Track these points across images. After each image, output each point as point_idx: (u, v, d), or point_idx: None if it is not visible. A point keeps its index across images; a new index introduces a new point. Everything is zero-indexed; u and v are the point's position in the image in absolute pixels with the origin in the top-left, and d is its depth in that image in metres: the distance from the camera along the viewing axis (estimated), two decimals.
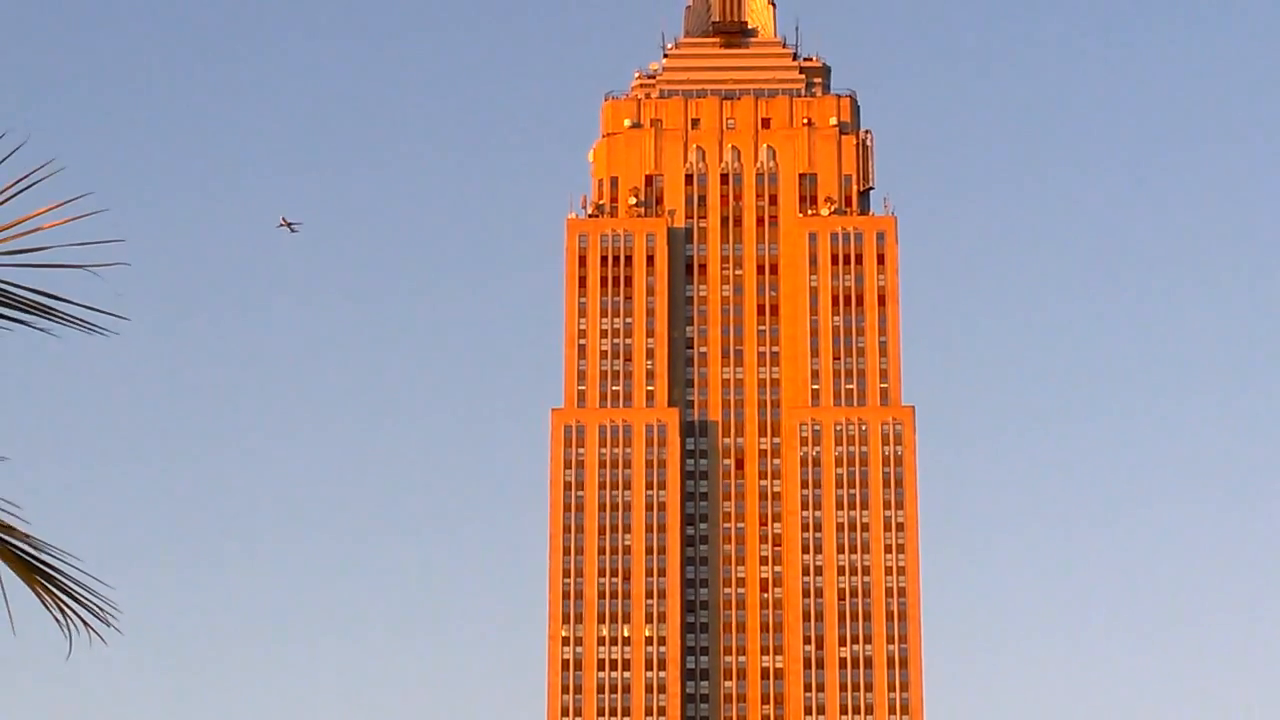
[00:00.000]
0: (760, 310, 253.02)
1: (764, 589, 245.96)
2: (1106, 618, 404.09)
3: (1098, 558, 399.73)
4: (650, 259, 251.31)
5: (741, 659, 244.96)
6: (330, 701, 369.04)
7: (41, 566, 11.31)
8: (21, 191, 10.96)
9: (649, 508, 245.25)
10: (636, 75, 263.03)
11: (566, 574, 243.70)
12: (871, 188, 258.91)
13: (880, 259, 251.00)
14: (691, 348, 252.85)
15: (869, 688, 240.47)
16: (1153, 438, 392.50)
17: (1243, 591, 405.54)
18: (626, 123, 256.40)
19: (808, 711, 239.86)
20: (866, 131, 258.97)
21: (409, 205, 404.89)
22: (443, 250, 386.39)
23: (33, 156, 11.03)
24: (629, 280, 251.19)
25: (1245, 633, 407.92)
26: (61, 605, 11.73)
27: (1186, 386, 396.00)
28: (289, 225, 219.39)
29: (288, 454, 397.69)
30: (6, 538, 11.01)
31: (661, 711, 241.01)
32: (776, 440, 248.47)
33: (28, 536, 11.05)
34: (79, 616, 11.87)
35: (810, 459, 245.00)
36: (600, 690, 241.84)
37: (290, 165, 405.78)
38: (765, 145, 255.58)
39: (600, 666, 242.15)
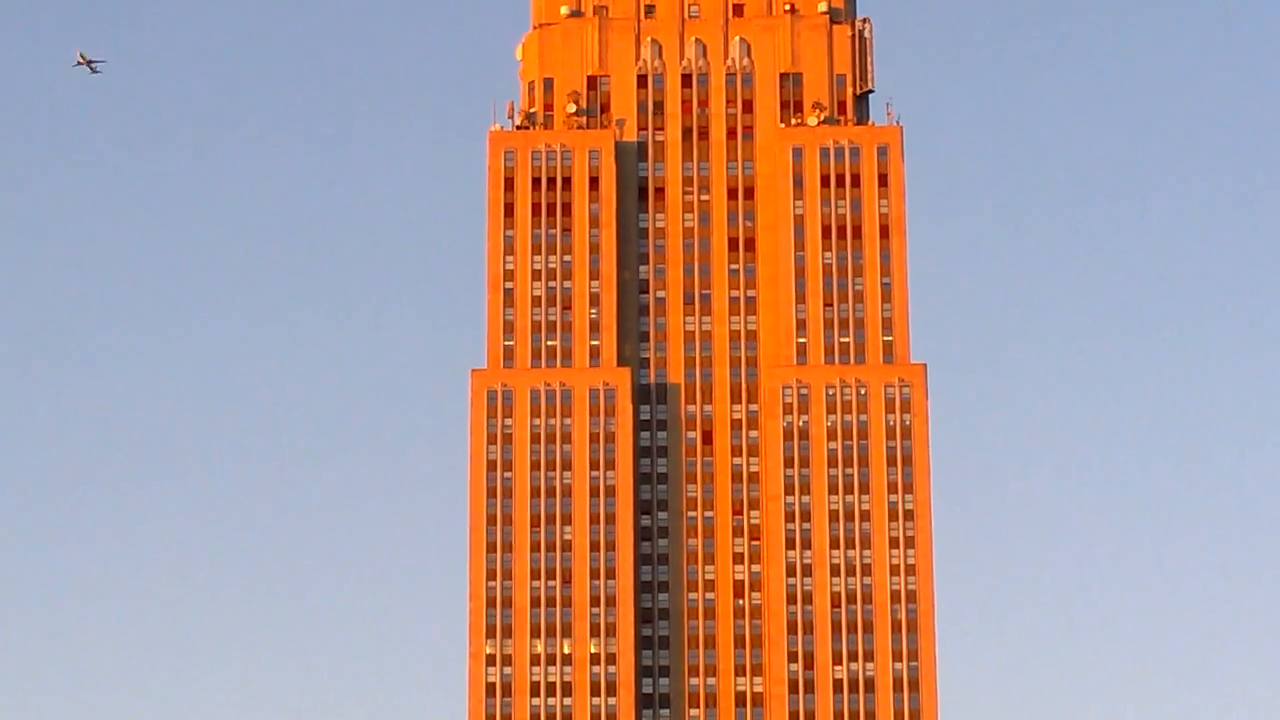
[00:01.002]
0: (733, 245, 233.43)
1: (739, 594, 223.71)
2: (1160, 623, 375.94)
3: (1150, 547, 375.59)
4: (594, 181, 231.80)
5: (711, 681, 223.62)
6: None
7: None
8: None
9: (594, 493, 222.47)
10: None
11: (491, 576, 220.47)
12: (871, 91, 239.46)
13: (882, 180, 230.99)
14: (646, 292, 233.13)
15: (870, 716, 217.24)
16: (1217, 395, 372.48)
17: None
18: (564, 10, 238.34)
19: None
20: (864, 20, 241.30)
21: (296, 113, 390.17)
22: (334, 171, 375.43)
23: None
24: (567, 208, 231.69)
25: None
26: None
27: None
28: (88, 64, 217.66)
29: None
30: None
31: None
32: (754, 408, 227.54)
33: None
34: None
35: (796, 430, 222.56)
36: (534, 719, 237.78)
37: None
38: (737, 39, 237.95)
39: (534, 692, 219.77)
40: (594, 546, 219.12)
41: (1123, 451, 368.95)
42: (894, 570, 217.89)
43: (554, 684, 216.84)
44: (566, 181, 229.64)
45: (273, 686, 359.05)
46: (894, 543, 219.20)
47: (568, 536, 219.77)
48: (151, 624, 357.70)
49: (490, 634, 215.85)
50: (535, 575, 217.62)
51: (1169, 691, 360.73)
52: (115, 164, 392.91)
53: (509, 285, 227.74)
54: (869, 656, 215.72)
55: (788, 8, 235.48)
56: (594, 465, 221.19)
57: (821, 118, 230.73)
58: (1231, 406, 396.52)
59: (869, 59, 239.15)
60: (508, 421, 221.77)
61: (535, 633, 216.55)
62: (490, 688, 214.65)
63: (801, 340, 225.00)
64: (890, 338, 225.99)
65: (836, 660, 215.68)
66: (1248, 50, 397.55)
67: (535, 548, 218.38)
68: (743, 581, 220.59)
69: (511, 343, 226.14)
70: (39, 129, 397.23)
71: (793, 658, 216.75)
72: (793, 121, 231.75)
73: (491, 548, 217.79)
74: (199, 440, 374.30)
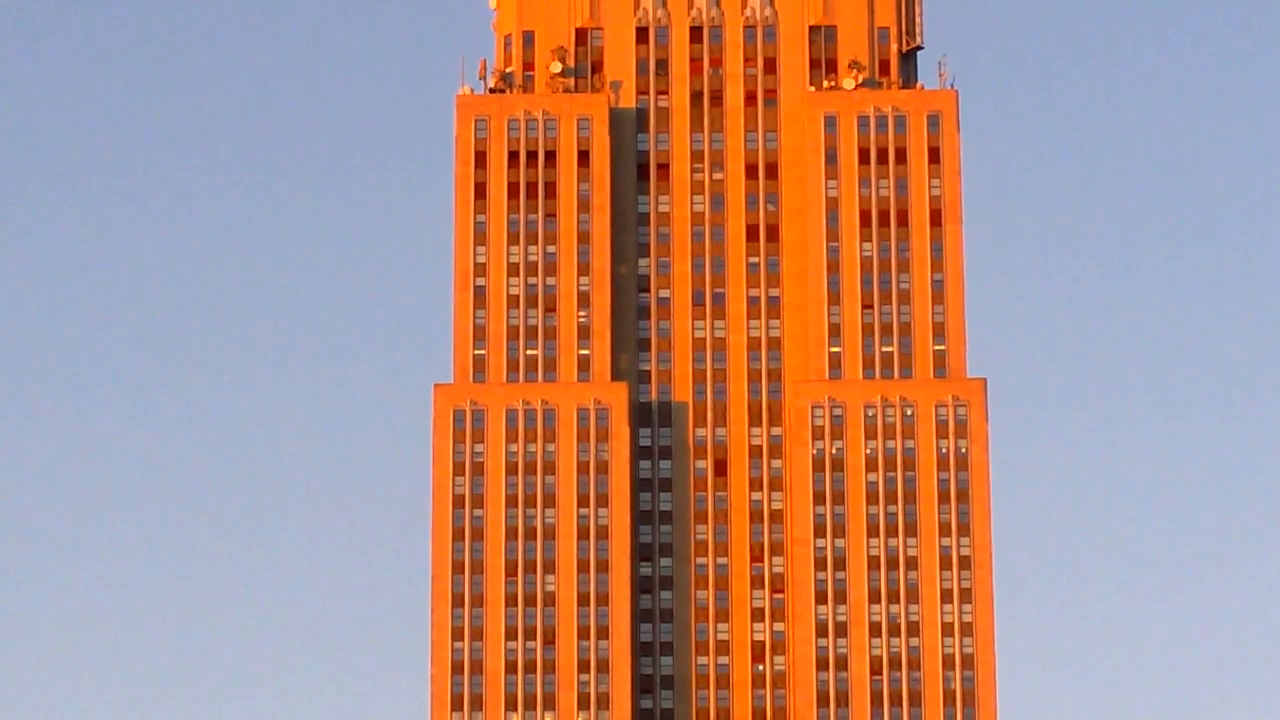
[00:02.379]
0: (752, 234, 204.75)
1: (759, 659, 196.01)
2: (1252, 689, 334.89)
3: (1245, 602, 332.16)
4: (583, 156, 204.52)
5: None
6: None
7: None
8: None
9: (583, 535, 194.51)
10: None
11: (458, 636, 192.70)
12: (920, 48, 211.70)
13: (933, 155, 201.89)
14: (647, 291, 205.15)
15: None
16: None
17: None
18: None
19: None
20: None
21: (250, 79, 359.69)
22: (275, 143, 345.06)
23: None
24: (551, 189, 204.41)
25: None
26: None
27: None
28: None
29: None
30: None
31: None
32: (777, 432, 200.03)
33: None
34: None
35: (828, 459, 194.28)
36: None
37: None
38: None
39: None
40: (582, 600, 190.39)
41: (1212, 482, 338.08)
42: (946, 629, 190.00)
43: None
44: (550, 156, 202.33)
45: None
46: (946, 596, 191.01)
47: (550, 588, 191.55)
48: (103, 638, 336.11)
49: (457, 706, 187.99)
50: (511, 635, 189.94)
51: None
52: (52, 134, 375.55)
53: (480, 282, 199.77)
54: (917, 697, 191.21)
55: None
56: (583, 501, 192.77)
57: (860, 80, 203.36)
58: None
59: (917, 9, 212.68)
60: (478, 447, 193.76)
61: (511, 705, 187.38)
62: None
63: (835, 350, 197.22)
64: (943, 347, 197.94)
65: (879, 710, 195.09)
66: None
67: (511, 601, 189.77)
68: (763, 643, 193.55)
69: (483, 352, 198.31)
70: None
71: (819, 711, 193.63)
72: (825, 84, 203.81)
73: (458, 601, 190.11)
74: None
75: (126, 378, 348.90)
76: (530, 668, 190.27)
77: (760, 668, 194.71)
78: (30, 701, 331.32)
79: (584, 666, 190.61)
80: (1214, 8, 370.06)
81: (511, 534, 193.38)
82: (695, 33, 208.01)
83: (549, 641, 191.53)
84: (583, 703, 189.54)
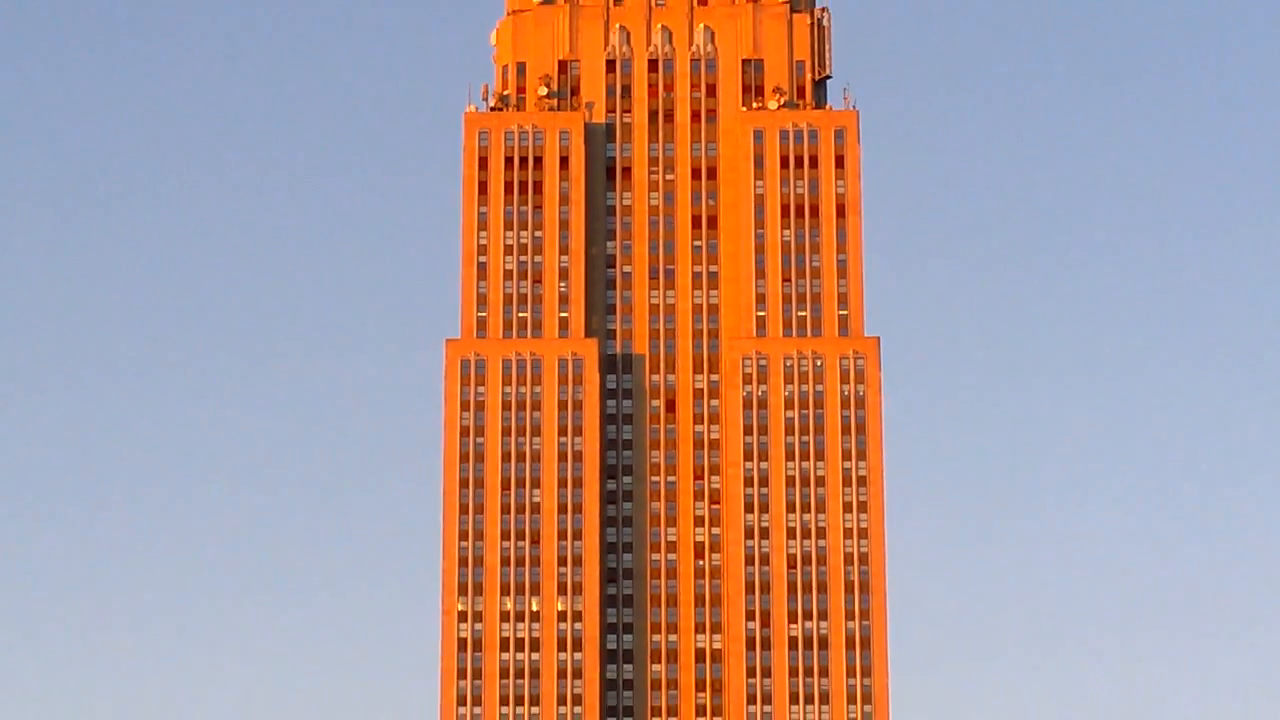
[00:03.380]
0: (696, 222, 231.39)
1: (699, 555, 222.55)
2: (1106, 588, 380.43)
3: (1096, 520, 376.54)
4: (564, 161, 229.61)
5: (672, 639, 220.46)
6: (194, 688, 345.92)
7: None
8: None
9: (562, 458, 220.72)
10: None
11: (464, 537, 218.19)
12: (829, 77, 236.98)
13: (839, 161, 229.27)
14: (613, 267, 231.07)
15: (824, 672, 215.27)
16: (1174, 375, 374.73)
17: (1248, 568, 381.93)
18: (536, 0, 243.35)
19: (751, 700, 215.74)
20: (823, 9, 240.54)
21: (280, 95, 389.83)
22: (318, 150, 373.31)
23: None
24: (539, 186, 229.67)
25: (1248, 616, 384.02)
26: None
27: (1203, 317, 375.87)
28: None
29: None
30: None
31: (577, 700, 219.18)
32: (715, 378, 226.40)
33: None
34: None
35: (755, 400, 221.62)
36: (504, 675, 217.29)
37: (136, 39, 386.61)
38: (702, 26, 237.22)
39: (504, 647, 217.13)
40: (562, 509, 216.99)
41: (1070, 421, 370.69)
42: (847, 534, 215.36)
43: (522, 639, 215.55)
44: (538, 161, 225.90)
45: (252, 647, 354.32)
46: (848, 507, 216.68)
47: (537, 499, 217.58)
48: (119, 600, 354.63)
49: (463, 591, 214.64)
50: (505, 536, 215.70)
51: (1118, 653, 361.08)
52: (79, 136, 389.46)
53: (482, 259, 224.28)
54: (823, 616, 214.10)
55: None
56: (562, 432, 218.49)
57: (781, 102, 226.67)
58: (1182, 383, 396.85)
59: (827, 46, 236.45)
60: (480, 389, 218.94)
61: (505, 590, 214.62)
62: (462, 643, 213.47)
63: (761, 314, 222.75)
64: (845, 312, 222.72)
65: (792, 619, 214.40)
66: (1201, 27, 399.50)
67: (506, 510, 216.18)
68: (703, 543, 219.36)
69: (484, 314, 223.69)
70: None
71: (750, 616, 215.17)
72: (754, 105, 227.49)
73: (464, 509, 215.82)
74: (186, 413, 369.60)
75: (179, 339, 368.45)
76: (520, 562, 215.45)
77: (700, 563, 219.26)
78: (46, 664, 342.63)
79: (562, 561, 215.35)
80: (1058, 38, 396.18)
81: (506, 458, 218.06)
82: (652, 64, 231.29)
83: (535, 542, 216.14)
84: (561, 589, 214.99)
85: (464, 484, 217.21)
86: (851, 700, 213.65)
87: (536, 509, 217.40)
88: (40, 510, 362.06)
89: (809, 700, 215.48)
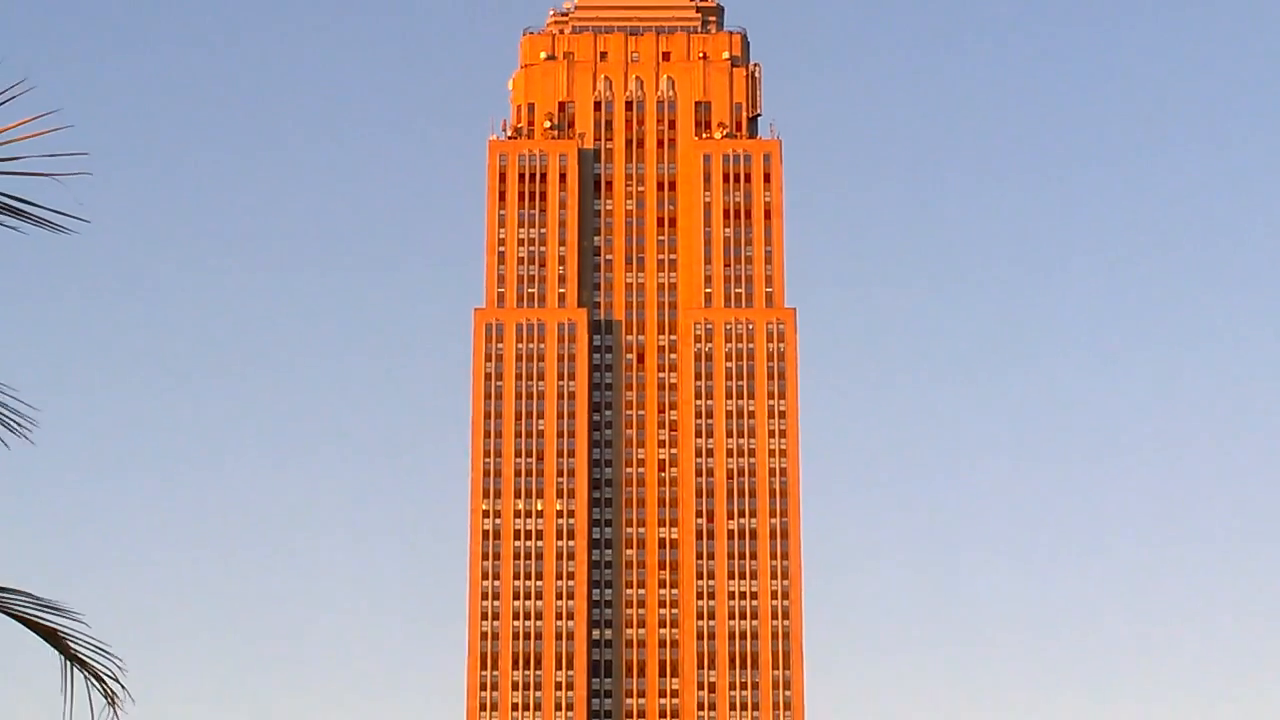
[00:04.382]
0: (660, 223, 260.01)
1: (661, 469, 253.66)
2: (982, 509, 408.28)
3: (952, 436, 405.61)
4: (563, 177, 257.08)
5: (641, 530, 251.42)
6: (271, 567, 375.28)
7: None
8: None
9: (560, 397, 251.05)
10: (551, 13, 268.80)
11: (487, 455, 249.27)
12: (759, 114, 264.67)
13: (766, 178, 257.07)
14: (599, 255, 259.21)
15: (753, 555, 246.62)
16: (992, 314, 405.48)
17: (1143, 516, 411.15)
18: (542, 55, 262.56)
19: (699, 576, 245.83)
20: (755, 64, 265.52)
21: (350, 130, 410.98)
22: (382, 170, 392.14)
23: (5, 77, 11.78)
24: (544, 195, 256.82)
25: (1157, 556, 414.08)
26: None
27: (1046, 299, 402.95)
28: None
29: (234, 362, 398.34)
30: None
31: (570, 576, 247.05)
32: (673, 338, 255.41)
33: None
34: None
35: (703, 354, 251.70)
36: (516, 557, 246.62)
37: (249, 94, 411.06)
38: (665, 76, 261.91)
39: (516, 536, 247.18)
40: (559, 435, 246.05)
41: (939, 365, 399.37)
42: (771, 454, 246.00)
43: (530, 530, 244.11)
44: (544, 176, 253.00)
45: (325, 534, 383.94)
46: (771, 434, 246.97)
47: (541, 428, 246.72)
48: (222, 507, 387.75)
49: (486, 495, 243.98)
50: (518, 454, 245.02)
51: (1012, 594, 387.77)
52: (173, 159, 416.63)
53: (501, 249, 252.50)
54: (752, 514, 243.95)
55: (701, 55, 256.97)
56: (560, 378, 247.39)
57: (724, 133, 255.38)
58: (1065, 343, 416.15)
59: (758, 92, 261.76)
60: (499, 346, 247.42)
61: (518, 495, 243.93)
62: (485, 533, 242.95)
63: (708, 291, 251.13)
64: (770, 289, 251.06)
65: (729, 516, 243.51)
66: (1089, 58, 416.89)
67: (518, 435, 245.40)
68: (664, 460, 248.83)
69: (503, 290, 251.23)
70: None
71: (698, 514, 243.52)
72: (703, 136, 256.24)
73: (488, 435, 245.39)
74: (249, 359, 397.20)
75: (241, 304, 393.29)
76: (529, 471, 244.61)
77: (663, 474, 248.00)
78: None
79: (559, 473, 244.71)
80: (944, 77, 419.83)
81: (518, 397, 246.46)
82: (628, 105, 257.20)
83: (539, 458, 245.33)
84: (558, 494, 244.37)
85: (487, 416, 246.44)
86: (773, 576, 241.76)
87: (541, 435, 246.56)
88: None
89: (741, 576, 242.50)
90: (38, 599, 11.94)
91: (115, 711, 12.12)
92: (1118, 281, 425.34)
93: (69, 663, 12.12)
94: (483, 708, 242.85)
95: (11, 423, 12.30)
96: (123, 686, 12.18)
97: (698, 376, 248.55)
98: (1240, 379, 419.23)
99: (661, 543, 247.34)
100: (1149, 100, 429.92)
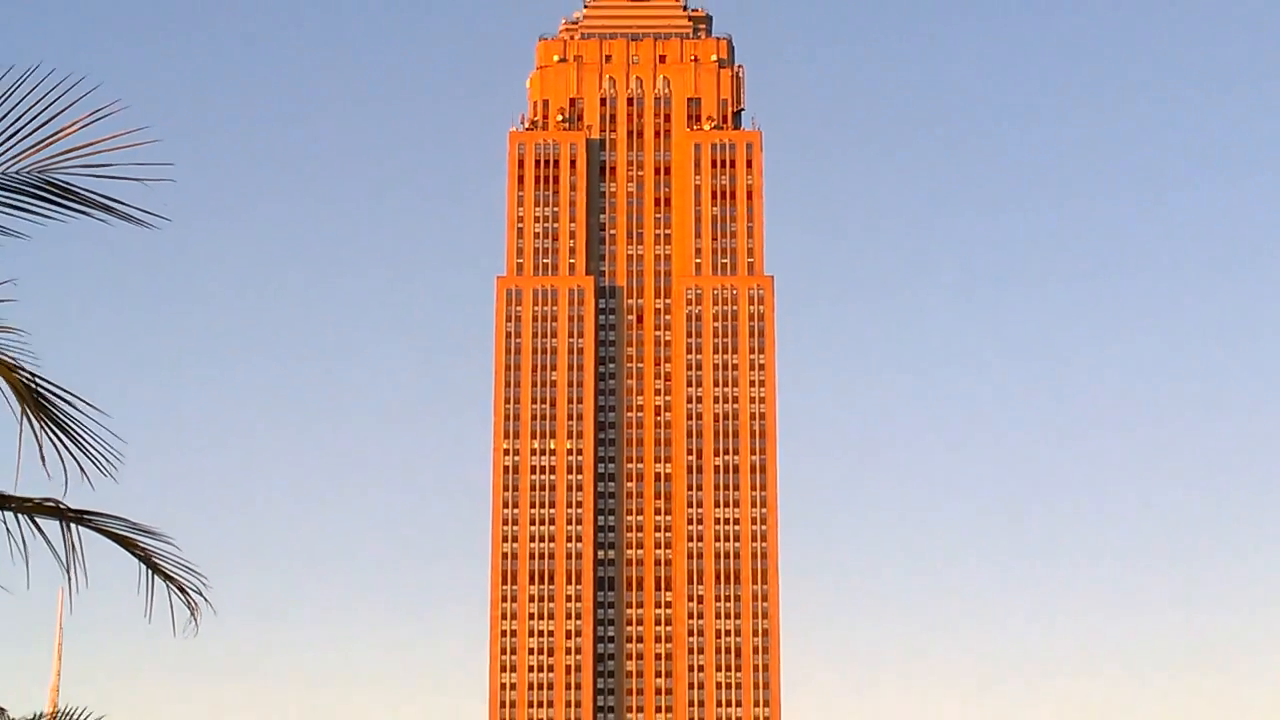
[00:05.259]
0: (656, 202, 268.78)
1: (657, 414, 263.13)
2: (955, 459, 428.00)
3: (908, 379, 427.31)
4: (573, 163, 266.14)
5: (640, 466, 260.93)
6: (305, 496, 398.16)
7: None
8: (94, 122, 11.43)
9: (570, 352, 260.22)
10: (563, 21, 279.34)
11: (507, 401, 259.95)
12: (743, 109, 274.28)
13: (749, 164, 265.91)
14: (604, 230, 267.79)
15: (736, 487, 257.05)
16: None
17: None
18: (555, 58, 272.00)
19: (689, 505, 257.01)
20: (740, 66, 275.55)
21: (389, 125, 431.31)
22: (417, 158, 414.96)
23: (103, 96, 11.54)
24: (556, 179, 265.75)
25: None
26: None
27: (996, 272, 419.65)
28: None
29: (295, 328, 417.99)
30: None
31: (579, 505, 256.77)
32: (668, 301, 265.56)
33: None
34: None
35: (694, 315, 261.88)
36: (532, 489, 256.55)
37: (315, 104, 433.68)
38: (662, 76, 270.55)
39: (532, 471, 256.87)
40: (570, 384, 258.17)
41: (898, 324, 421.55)
42: (752, 400, 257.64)
43: (544, 466, 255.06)
44: (556, 163, 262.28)
45: (358, 466, 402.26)
46: (752, 384, 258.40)
47: (554, 379, 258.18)
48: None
49: (507, 436, 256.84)
50: (534, 400, 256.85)
51: (968, 514, 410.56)
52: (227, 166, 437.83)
53: (520, 225, 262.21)
54: (735, 451, 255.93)
55: (693, 58, 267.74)
56: (570, 335, 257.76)
57: (712, 125, 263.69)
58: (1016, 291, 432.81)
59: (742, 90, 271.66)
60: (518, 308, 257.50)
61: (534, 436, 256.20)
62: (505, 469, 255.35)
63: (698, 260, 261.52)
64: (752, 260, 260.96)
65: (715, 454, 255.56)
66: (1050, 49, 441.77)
67: (534, 384, 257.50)
68: (659, 406, 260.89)
69: (521, 260, 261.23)
70: None
71: (689, 451, 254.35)
72: (694, 128, 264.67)
73: (508, 385, 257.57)
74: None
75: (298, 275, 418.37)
76: (543, 416, 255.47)
77: (658, 417, 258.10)
78: None
79: (569, 415, 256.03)
80: (912, 74, 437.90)
81: (534, 351, 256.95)
82: (629, 101, 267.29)
83: (552, 404, 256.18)
84: (569, 433, 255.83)
85: (507, 369, 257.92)
86: (754, 505, 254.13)
87: (553, 384, 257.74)
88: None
89: (725, 505, 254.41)
90: (133, 523, 12.30)
91: (196, 621, 12.50)
92: (1074, 235, 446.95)
93: (158, 578, 12.46)
94: (504, 616, 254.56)
95: (100, 459, 12.07)
96: (205, 600, 12.59)
97: (689, 334, 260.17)
98: (1230, 373, 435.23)
99: (657, 476, 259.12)
100: (1117, 87, 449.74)
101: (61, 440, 11.65)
